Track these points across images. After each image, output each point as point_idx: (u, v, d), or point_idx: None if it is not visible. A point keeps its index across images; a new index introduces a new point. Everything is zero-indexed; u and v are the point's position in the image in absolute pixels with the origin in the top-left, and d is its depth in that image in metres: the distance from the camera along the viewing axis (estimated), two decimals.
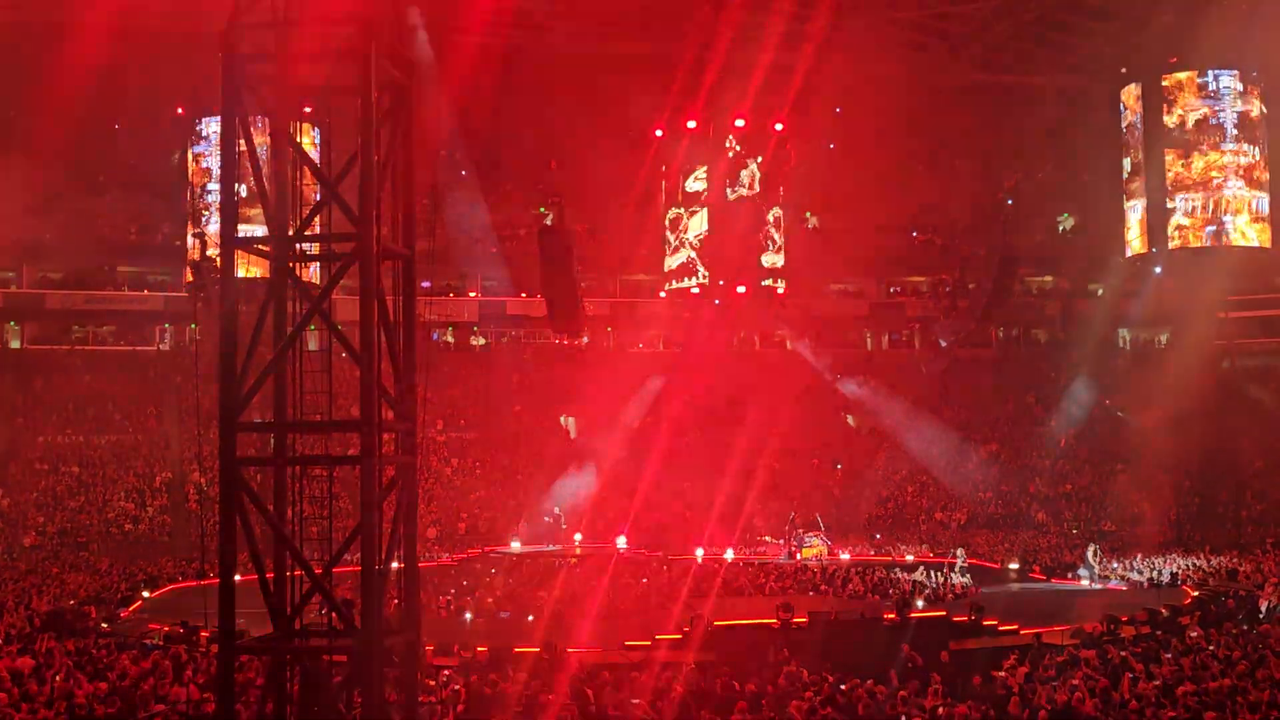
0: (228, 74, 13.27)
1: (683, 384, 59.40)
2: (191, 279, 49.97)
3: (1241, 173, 51.29)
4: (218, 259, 13.81)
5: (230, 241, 13.51)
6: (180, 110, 53.15)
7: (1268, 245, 52.44)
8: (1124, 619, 27.72)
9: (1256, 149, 51.55)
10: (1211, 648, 22.52)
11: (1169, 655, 21.93)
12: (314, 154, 14.23)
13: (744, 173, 57.58)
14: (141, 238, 60.51)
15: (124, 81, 52.73)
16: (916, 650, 23.38)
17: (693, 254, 57.59)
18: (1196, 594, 32.98)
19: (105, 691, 19.27)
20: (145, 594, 35.40)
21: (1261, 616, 28.43)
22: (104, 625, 29.80)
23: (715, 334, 61.83)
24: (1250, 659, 20.62)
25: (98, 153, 53.76)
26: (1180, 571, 38.82)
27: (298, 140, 13.86)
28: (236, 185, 13.64)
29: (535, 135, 62.05)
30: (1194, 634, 25.18)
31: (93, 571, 40.09)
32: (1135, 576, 39.10)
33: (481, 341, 66.70)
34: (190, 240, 54.01)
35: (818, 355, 63.87)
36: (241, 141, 13.31)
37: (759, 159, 57.85)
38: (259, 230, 14.10)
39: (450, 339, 65.51)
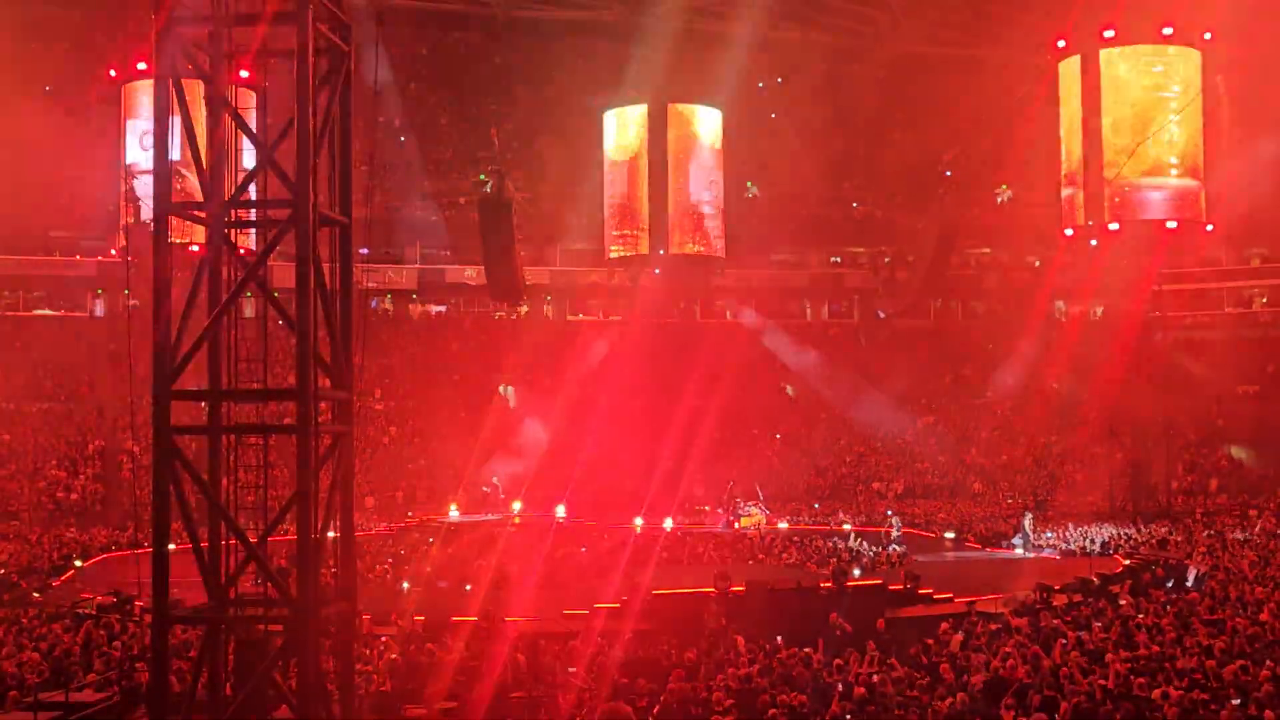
0: (161, 37, 13.06)
1: (622, 353, 59.41)
2: (124, 244, 49.31)
3: (1178, 146, 51.80)
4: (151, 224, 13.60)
5: (164, 207, 13.33)
6: (113, 73, 52.28)
7: (1201, 219, 53.06)
8: (1056, 587, 28.05)
9: (1193, 123, 52.06)
10: (1141, 616, 22.86)
11: (1100, 623, 22.25)
12: (250, 119, 14.04)
13: (690, 141, 57.49)
14: (74, 202, 59.56)
15: (55, 43, 51.93)
16: (852, 619, 23.58)
17: (633, 223, 57.49)
18: (1128, 563, 33.43)
19: (37, 661, 19.09)
20: (78, 563, 35.03)
21: (1190, 585, 28.88)
22: (35, 595, 29.47)
23: (655, 304, 61.87)
24: (1178, 627, 20.97)
25: (29, 116, 52.78)
26: (1112, 540, 39.36)
27: (233, 105, 13.67)
28: (170, 150, 13.44)
29: (476, 103, 61.71)
30: (1124, 602, 25.55)
31: (24, 541, 39.60)
32: (1068, 545, 39.60)
33: (438, 309, 66.33)
34: (124, 205, 53.27)
35: (758, 326, 64.20)
36: (175, 105, 13.12)
37: (703, 127, 57.81)
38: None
39: (389, 307, 65.15)
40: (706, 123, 57.51)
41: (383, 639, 21.90)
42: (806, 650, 20.05)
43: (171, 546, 12.99)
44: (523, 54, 58.00)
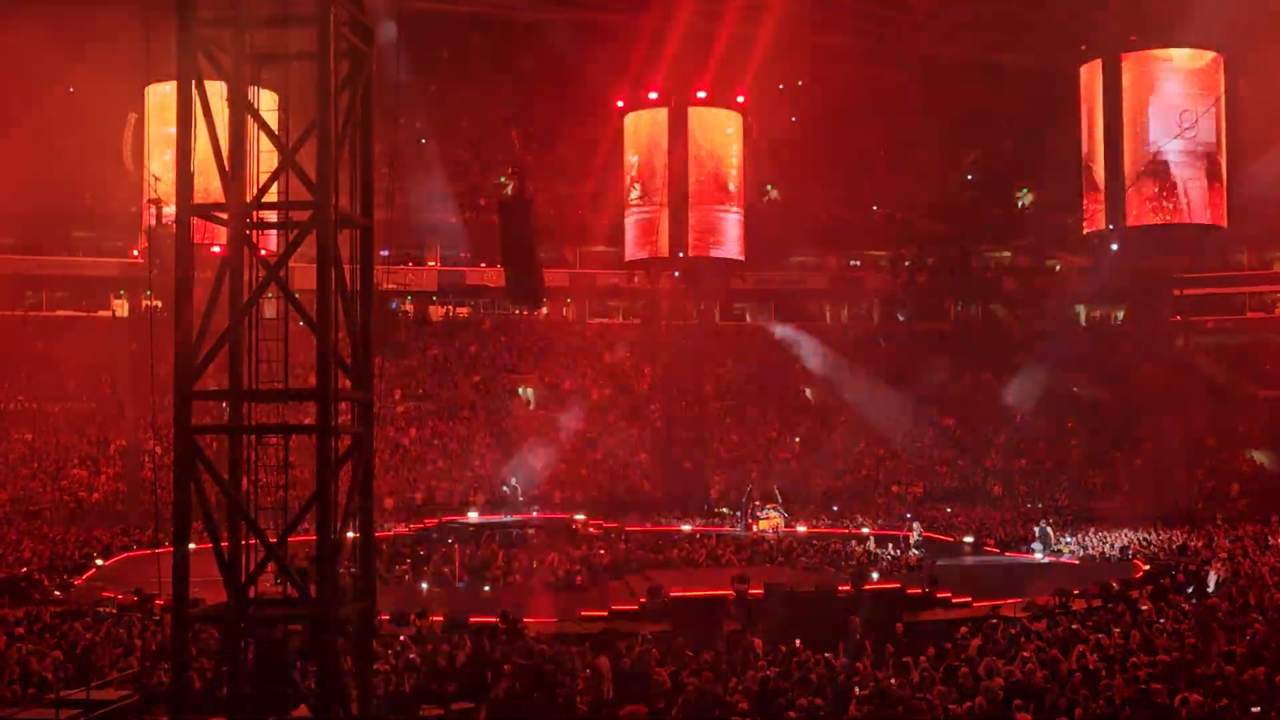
0: (184, 39, 13.12)
1: (642, 355, 59.48)
2: (146, 245, 49.49)
3: (1199, 149, 51.66)
4: (174, 225, 13.69)
5: (186, 208, 13.40)
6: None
7: (1223, 223, 52.88)
8: (1075, 592, 28.00)
9: (1215, 127, 51.93)
10: (1161, 621, 22.78)
11: (1119, 628, 22.17)
12: (271, 121, 14.09)
13: (712, 153, 57.51)
14: (96, 203, 59.85)
15: (79, 45, 52.09)
16: (871, 622, 23.54)
17: (653, 226, 57.51)
18: (1147, 568, 33.33)
19: (60, 660, 19.19)
20: (99, 562, 35.19)
21: (1210, 590, 28.76)
22: (57, 594, 29.61)
23: (675, 306, 61.93)
24: (1198, 632, 20.88)
25: (52, 118, 53.09)
26: (1131, 545, 39.22)
27: (255, 107, 13.74)
28: (193, 151, 13.49)
29: (496, 105, 61.81)
30: (1144, 607, 25.47)
31: (44, 539, 39.73)
32: (1087, 550, 39.49)
33: (458, 310, 66.30)
34: (146, 206, 53.47)
35: (782, 335, 64.26)
36: (198, 107, 13.18)
37: (726, 130, 57.87)
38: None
39: (409, 309, 65.24)
40: (727, 129, 57.49)
41: (401, 639, 21.96)
42: (826, 655, 20.03)
43: (192, 546, 13.05)
44: (543, 56, 58.05)
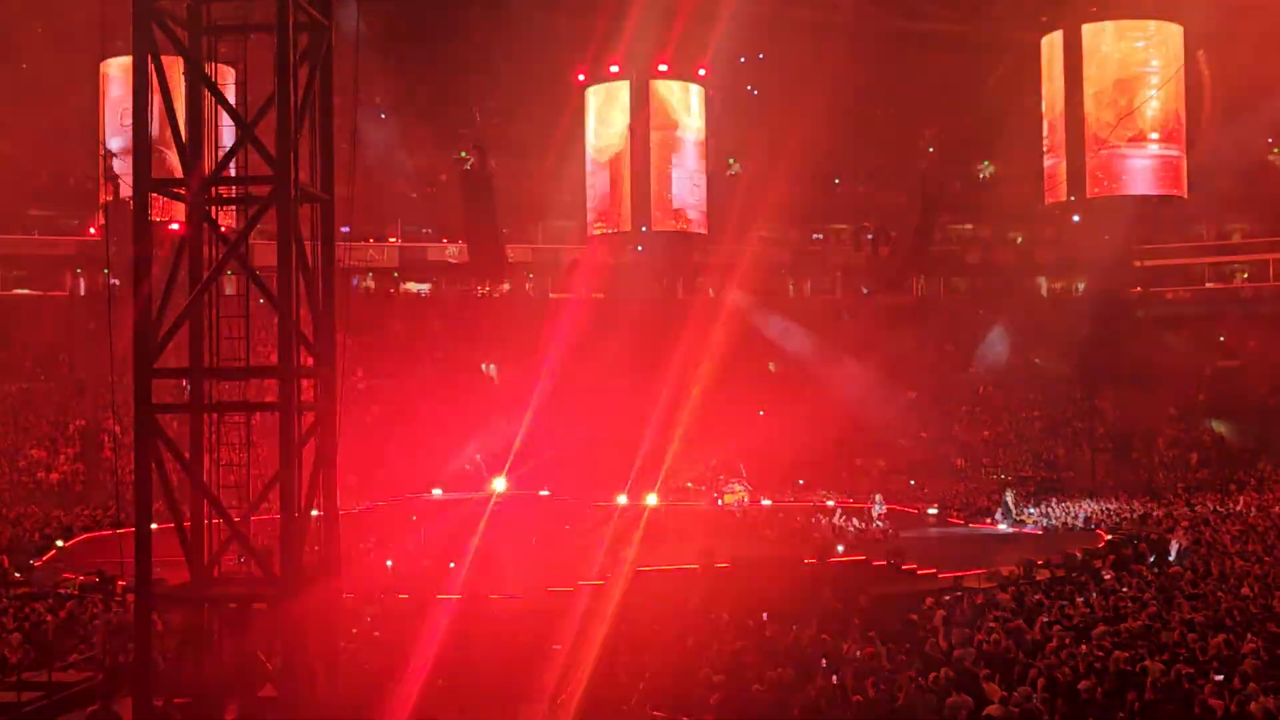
0: (140, 12, 12.94)
1: (605, 330, 59.28)
2: (104, 223, 48.96)
3: (1160, 120, 51.87)
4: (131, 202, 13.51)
5: (144, 184, 13.22)
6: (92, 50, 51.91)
7: (1183, 195, 53.14)
8: (1039, 562, 28.18)
9: (1175, 97, 52.12)
10: (1124, 589, 22.96)
11: (1083, 598, 22.33)
12: (230, 95, 13.92)
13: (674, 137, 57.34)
14: (53, 181, 59.12)
15: (32, 19, 51.48)
16: (836, 595, 23.61)
17: (615, 202, 57.35)
18: (1110, 538, 33.57)
19: (19, 642, 19.02)
20: (59, 543, 34.88)
21: (1171, 559, 29.01)
22: (16, 575, 29.35)
23: (637, 280, 61.76)
24: (1160, 601, 21.05)
25: (6, 94, 52.40)
26: (1094, 516, 39.49)
27: (213, 81, 13.56)
28: (150, 127, 13.32)
29: (457, 79, 61.33)
30: (1107, 576, 25.67)
31: (2, 520, 39.37)
32: (1050, 521, 39.74)
33: (420, 287, 65.85)
34: (103, 183, 52.89)
35: (741, 302, 64.12)
36: (155, 82, 13.00)
37: (687, 111, 57.67)
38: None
39: (371, 285, 64.85)
40: (690, 105, 57.26)
41: (366, 618, 21.87)
42: (794, 627, 20.07)
43: (154, 526, 12.92)
44: (505, 29, 57.64)
